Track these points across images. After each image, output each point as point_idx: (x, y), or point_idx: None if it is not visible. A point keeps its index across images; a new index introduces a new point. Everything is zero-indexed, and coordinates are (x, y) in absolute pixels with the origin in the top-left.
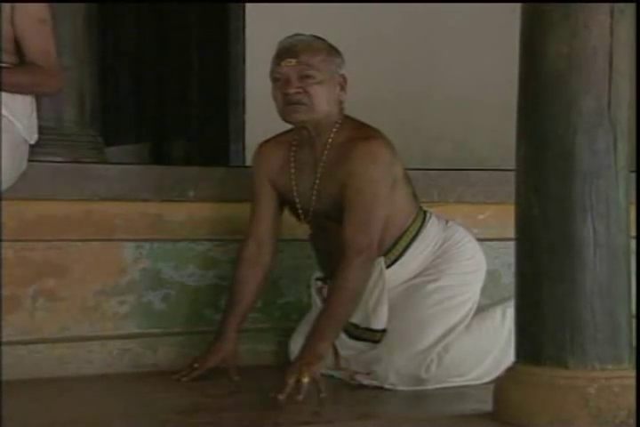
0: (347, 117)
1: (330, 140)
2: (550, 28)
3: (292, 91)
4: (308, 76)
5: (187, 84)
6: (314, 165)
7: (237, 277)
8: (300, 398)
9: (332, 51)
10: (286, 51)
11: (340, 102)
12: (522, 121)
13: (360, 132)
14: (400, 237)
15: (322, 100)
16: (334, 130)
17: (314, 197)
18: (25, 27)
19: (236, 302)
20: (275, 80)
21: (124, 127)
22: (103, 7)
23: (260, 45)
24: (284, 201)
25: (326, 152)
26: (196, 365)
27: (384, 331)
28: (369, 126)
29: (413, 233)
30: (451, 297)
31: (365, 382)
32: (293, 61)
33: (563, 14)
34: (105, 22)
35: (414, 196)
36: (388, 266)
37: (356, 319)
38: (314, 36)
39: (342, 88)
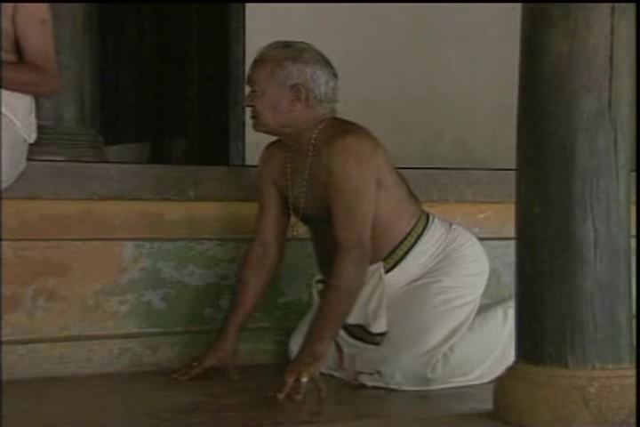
0: (332, 119)
1: (311, 145)
2: (551, 27)
3: (244, 105)
4: (253, 91)
5: (187, 83)
6: (303, 169)
7: (241, 278)
8: (299, 397)
9: (282, 61)
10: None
11: (300, 111)
12: (522, 120)
13: (338, 130)
14: (401, 242)
15: (266, 113)
16: (314, 135)
17: (303, 200)
18: (25, 26)
19: (238, 303)
20: None
21: (123, 126)
22: (103, 7)
23: (260, 45)
24: (286, 198)
25: (310, 156)
26: (194, 363)
27: (383, 334)
28: (350, 123)
29: (415, 238)
30: (455, 298)
31: (369, 383)
32: (247, 77)
33: (563, 13)
34: (105, 22)
35: (413, 199)
36: (389, 270)
37: (356, 320)
38: (280, 44)
39: (296, 98)
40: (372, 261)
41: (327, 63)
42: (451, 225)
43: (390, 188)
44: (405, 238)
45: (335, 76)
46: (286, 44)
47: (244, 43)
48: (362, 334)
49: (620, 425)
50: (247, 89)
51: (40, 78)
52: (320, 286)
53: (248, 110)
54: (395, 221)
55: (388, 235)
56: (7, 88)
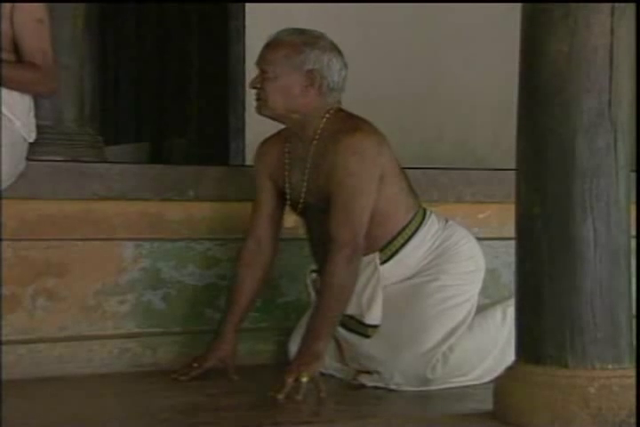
0: (338, 110)
1: (317, 134)
2: (550, 27)
3: (250, 85)
4: (264, 72)
5: (186, 83)
6: (304, 158)
7: (235, 276)
8: (299, 397)
9: (300, 46)
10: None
11: (312, 97)
12: (522, 120)
13: (347, 124)
14: (398, 234)
15: (275, 96)
16: (321, 124)
17: (304, 190)
18: (23, 26)
19: (233, 302)
20: None
21: (123, 126)
22: (103, 7)
23: (260, 45)
24: (282, 194)
25: (314, 145)
26: (194, 364)
27: (376, 327)
28: (358, 118)
29: (412, 230)
30: (452, 296)
31: (369, 383)
32: (259, 58)
33: (563, 13)
34: (105, 22)
35: (412, 192)
36: (384, 262)
37: (350, 311)
38: (296, 30)
39: (310, 84)
40: (369, 252)
41: (340, 52)
42: (447, 221)
43: (392, 181)
44: (403, 230)
45: (346, 65)
46: (302, 31)
47: (244, 42)
48: (355, 325)
49: (619, 425)
50: (257, 72)
51: (38, 77)
52: (314, 275)
53: (251, 93)
54: (393, 213)
55: (386, 225)
56: (6, 87)
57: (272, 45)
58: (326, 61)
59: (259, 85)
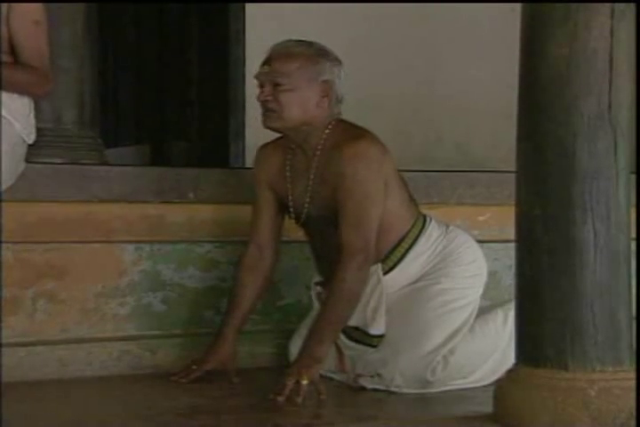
0: (339, 121)
1: (320, 145)
2: (550, 30)
3: (262, 98)
4: (278, 84)
5: (186, 85)
6: (307, 170)
7: (237, 281)
8: (300, 400)
9: (314, 57)
10: (266, 57)
11: (325, 108)
12: (522, 122)
13: (349, 134)
14: (398, 244)
15: (292, 108)
16: (324, 135)
17: (307, 200)
18: (20, 27)
19: (234, 305)
20: (258, 86)
21: (123, 129)
22: (103, 8)
23: (260, 47)
24: (283, 204)
25: (317, 156)
26: (194, 366)
27: (381, 336)
28: (359, 127)
29: (412, 239)
30: (454, 300)
31: (369, 385)
32: (267, 68)
33: (563, 15)
34: (105, 23)
35: (412, 201)
36: (387, 272)
37: (355, 322)
38: (302, 42)
39: (325, 95)
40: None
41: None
42: (448, 227)
43: (394, 192)
44: (403, 240)
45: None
46: (309, 43)
47: (243, 44)
48: (360, 336)
49: None
50: (266, 83)
51: (35, 79)
52: (319, 288)
53: (252, 95)
54: (395, 224)
55: (387, 236)
56: (2, 88)
57: (283, 57)
58: (337, 73)
59: (270, 98)
